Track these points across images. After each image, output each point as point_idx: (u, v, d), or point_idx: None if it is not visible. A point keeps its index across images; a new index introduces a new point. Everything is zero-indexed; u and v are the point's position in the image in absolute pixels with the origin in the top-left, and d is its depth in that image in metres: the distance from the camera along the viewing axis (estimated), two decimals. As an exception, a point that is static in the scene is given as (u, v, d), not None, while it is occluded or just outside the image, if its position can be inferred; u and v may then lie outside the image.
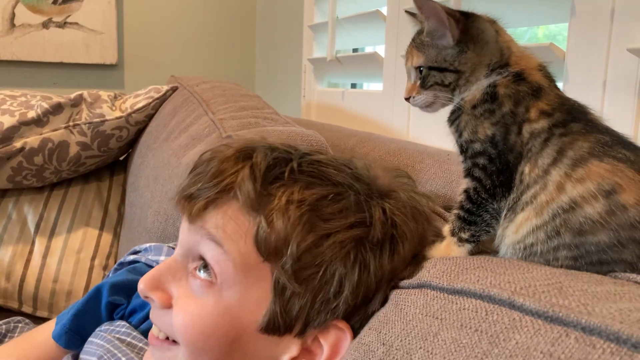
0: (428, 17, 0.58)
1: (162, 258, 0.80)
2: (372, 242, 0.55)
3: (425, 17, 0.58)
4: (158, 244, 0.82)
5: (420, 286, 0.49)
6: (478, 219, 0.55)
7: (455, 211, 0.57)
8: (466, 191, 0.56)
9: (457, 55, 0.57)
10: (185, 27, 2.29)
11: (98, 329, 0.71)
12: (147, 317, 0.72)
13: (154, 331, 0.59)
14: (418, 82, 0.60)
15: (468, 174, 0.56)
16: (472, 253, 0.57)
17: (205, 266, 0.55)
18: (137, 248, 0.84)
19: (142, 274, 0.61)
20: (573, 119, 0.52)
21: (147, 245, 0.83)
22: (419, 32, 0.61)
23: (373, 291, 0.55)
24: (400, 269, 0.57)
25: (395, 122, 1.38)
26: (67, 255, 1.39)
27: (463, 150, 0.57)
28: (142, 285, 0.57)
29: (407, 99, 0.61)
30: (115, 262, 1.43)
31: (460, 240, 0.56)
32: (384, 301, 0.55)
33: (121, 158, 1.61)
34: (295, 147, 0.62)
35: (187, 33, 2.29)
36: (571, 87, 0.91)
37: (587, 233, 0.47)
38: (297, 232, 0.53)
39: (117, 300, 0.75)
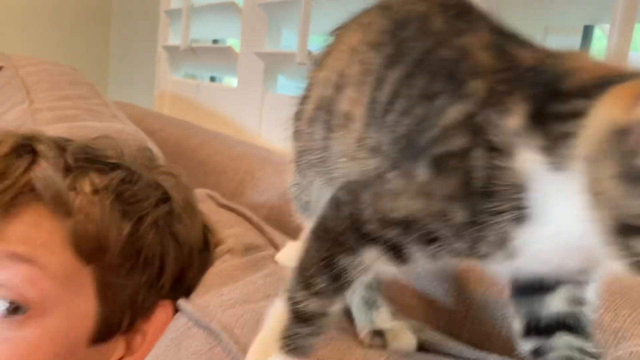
0: None
1: None
2: (177, 214, 0.56)
3: None
4: None
5: (208, 329, 0.43)
6: None
7: None
8: None
9: None
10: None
11: None
12: None
13: None
14: None
15: None
16: None
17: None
18: None
19: None
20: None
21: None
22: None
23: (188, 262, 0.55)
24: (198, 236, 0.58)
25: (248, 122, 1.31)
26: None
27: None
28: None
29: None
30: None
31: None
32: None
33: None
34: (67, 138, 0.57)
35: (34, 7, 2.05)
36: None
37: None
38: (115, 221, 0.50)
39: None
